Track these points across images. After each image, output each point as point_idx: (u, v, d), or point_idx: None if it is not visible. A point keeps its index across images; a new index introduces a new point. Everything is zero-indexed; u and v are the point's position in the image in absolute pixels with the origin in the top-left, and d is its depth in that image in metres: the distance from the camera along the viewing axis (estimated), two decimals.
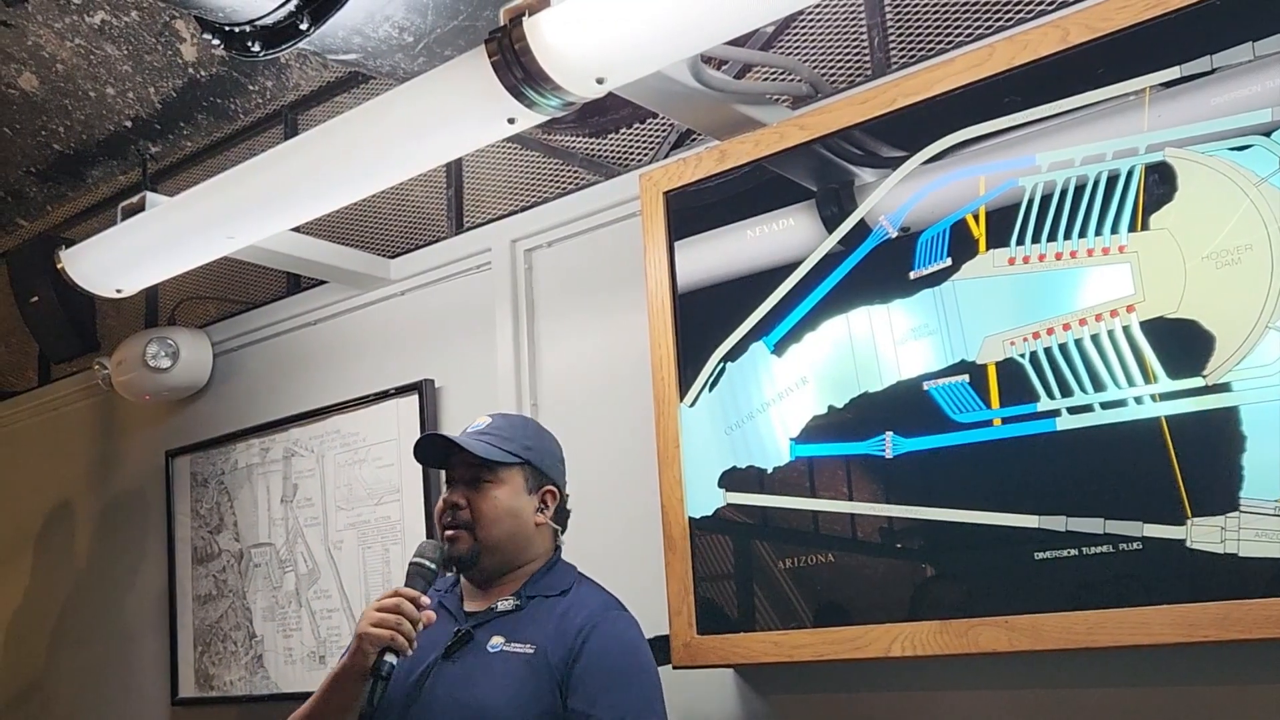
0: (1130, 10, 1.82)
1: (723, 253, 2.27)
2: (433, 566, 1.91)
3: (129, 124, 3.63)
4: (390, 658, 1.79)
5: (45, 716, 3.97)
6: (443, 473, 2.08)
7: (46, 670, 4.01)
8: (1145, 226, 1.78)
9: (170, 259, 2.69)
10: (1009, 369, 1.89)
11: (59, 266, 2.78)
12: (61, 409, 4.13)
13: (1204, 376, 1.71)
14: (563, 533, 2.08)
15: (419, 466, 2.78)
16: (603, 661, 1.86)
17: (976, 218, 1.96)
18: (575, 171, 2.85)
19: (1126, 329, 1.78)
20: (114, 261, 2.73)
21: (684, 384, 2.28)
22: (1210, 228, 1.72)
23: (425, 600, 1.85)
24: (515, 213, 2.88)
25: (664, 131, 2.69)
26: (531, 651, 1.88)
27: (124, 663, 3.71)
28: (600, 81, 1.88)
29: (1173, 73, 1.78)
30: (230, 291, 3.66)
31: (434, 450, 2.04)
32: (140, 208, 2.63)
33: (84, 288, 2.81)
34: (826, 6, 2.46)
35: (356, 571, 3.05)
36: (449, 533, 1.97)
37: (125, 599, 3.75)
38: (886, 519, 2.01)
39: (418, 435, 2.78)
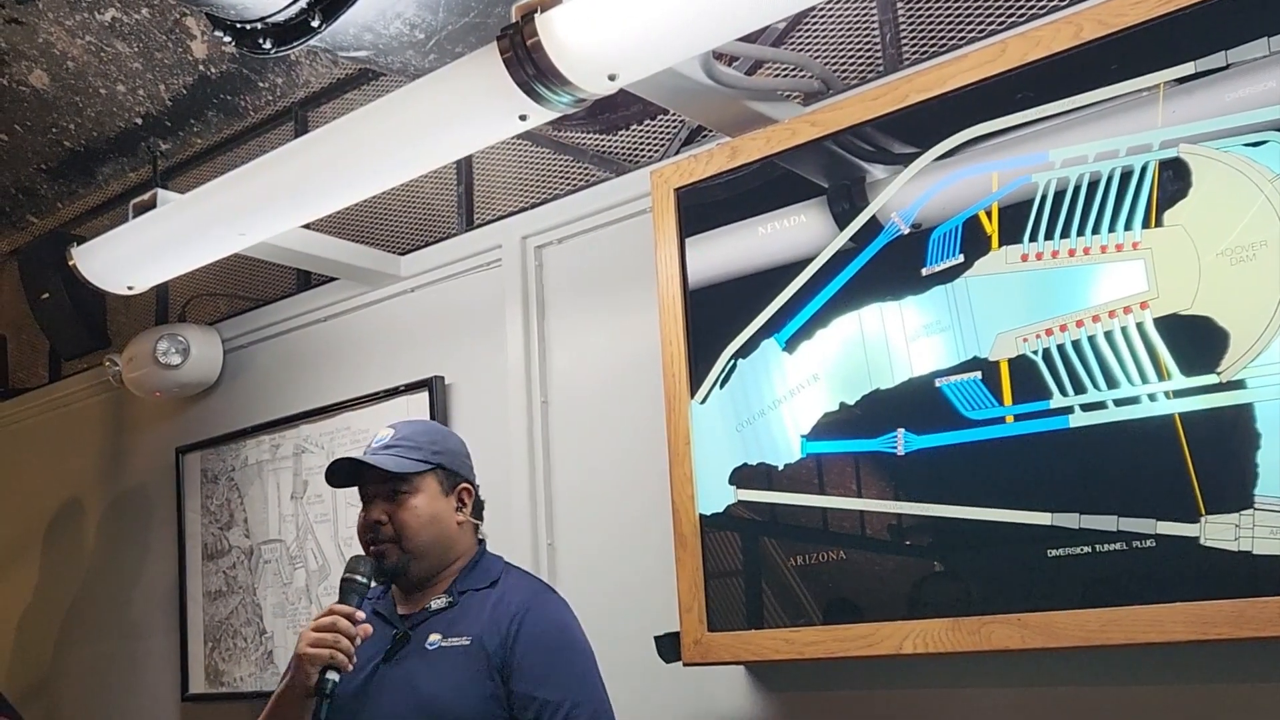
0: (1144, 6, 1.81)
1: (734, 249, 2.27)
2: (364, 580, 1.96)
3: (139, 121, 3.63)
4: (332, 675, 1.85)
5: (57, 712, 3.98)
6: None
7: (57, 666, 4.02)
8: (1159, 223, 1.78)
9: (181, 256, 2.69)
10: (1022, 366, 1.89)
11: (70, 263, 2.78)
12: (72, 405, 4.14)
13: (1218, 374, 1.70)
14: (481, 525, 2.12)
15: None
16: (539, 643, 1.92)
17: (989, 214, 1.95)
18: (586, 168, 2.85)
19: (1140, 326, 1.77)
20: (125, 258, 2.74)
21: (695, 381, 2.28)
22: (1224, 224, 1.72)
23: (360, 615, 1.91)
24: (525, 209, 2.88)
25: (675, 128, 2.68)
26: (468, 642, 1.94)
27: (134, 659, 3.72)
28: (612, 78, 1.88)
29: (1187, 68, 1.77)
30: (240, 288, 3.66)
31: (345, 473, 2.06)
32: (151, 205, 2.64)
33: (95, 285, 2.81)
34: (839, 3, 2.45)
35: None
36: (374, 549, 2.01)
37: (135, 595, 3.76)
38: (898, 516, 2.01)
39: None
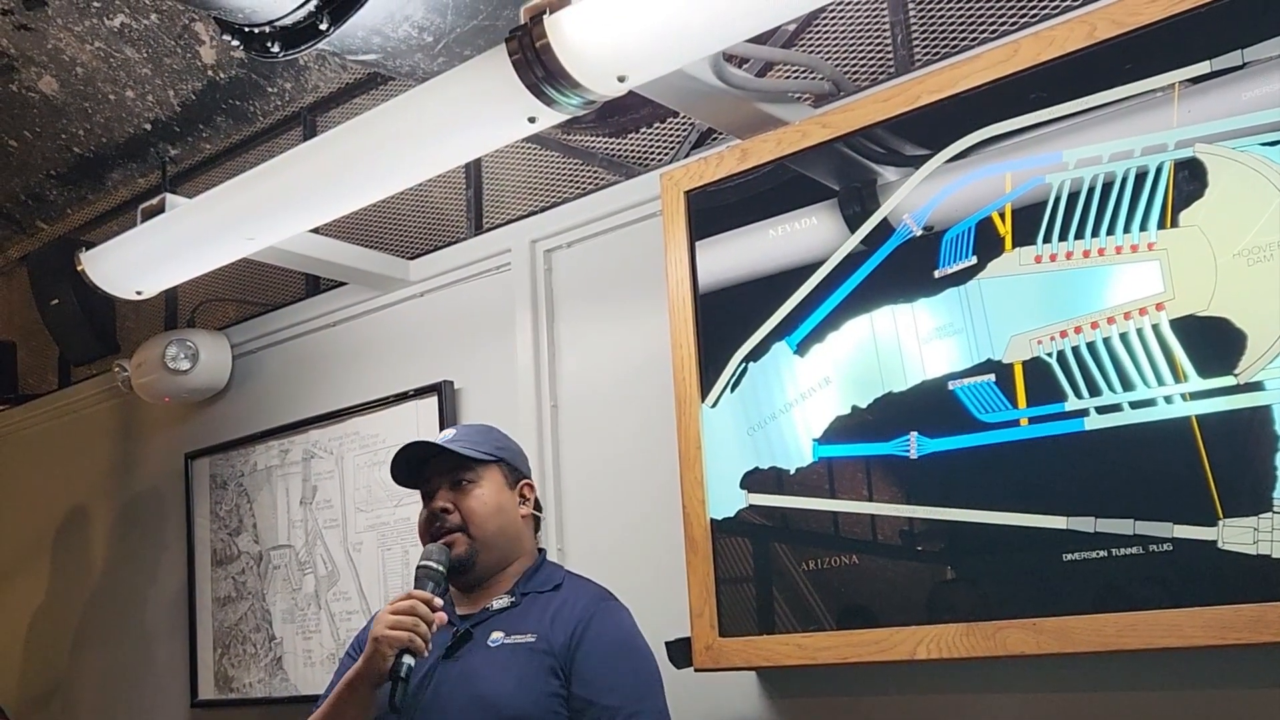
0: (1158, 5, 1.79)
1: (744, 252, 2.26)
2: (440, 569, 1.95)
3: (148, 127, 3.64)
4: (408, 659, 1.83)
5: (66, 718, 3.97)
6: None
7: (67, 672, 4.02)
8: (1175, 223, 1.76)
9: (190, 260, 2.69)
10: (1036, 368, 1.87)
11: (79, 268, 2.78)
12: (81, 411, 4.14)
13: (1235, 375, 1.69)
14: (541, 524, 2.15)
15: None
16: (602, 649, 1.92)
17: (1002, 215, 1.93)
18: (595, 171, 2.84)
19: (1156, 327, 1.76)
20: (134, 263, 2.73)
21: (705, 384, 2.26)
22: (1241, 224, 1.70)
23: (438, 602, 1.90)
24: (535, 213, 2.87)
25: (684, 131, 2.67)
26: (533, 640, 1.93)
27: (144, 665, 3.72)
28: (621, 79, 1.87)
29: (1202, 68, 1.75)
30: (249, 293, 3.66)
31: (408, 466, 2.07)
32: (160, 209, 2.63)
33: (104, 289, 2.81)
34: (849, 3, 2.44)
35: (376, 573, 3.04)
36: (441, 540, 2.00)
37: (145, 601, 3.76)
38: (911, 520, 1.99)
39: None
